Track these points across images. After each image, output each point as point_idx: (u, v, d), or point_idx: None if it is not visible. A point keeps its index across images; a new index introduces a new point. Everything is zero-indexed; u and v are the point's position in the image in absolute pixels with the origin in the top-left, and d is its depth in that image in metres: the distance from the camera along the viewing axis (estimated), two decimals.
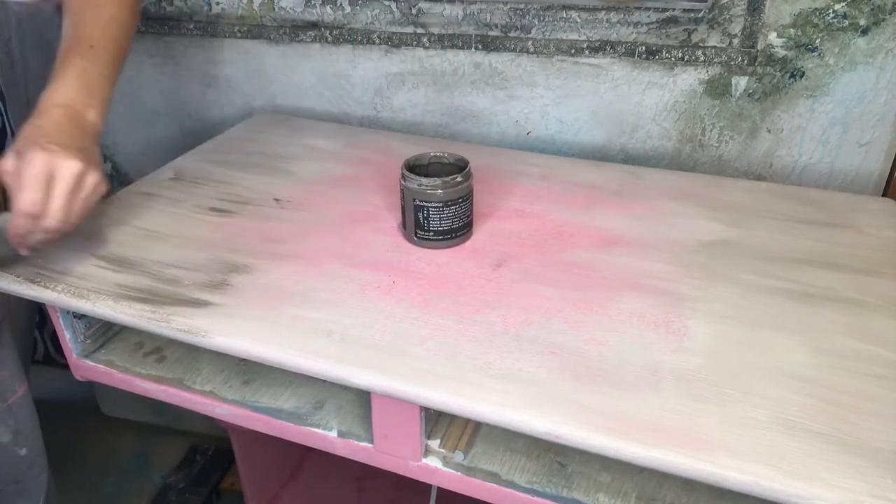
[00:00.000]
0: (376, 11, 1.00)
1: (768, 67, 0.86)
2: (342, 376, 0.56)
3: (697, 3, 0.85)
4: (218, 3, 1.07)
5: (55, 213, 0.61)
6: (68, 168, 0.61)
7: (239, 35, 1.08)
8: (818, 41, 0.83)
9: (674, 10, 0.86)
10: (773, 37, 0.85)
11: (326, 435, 0.64)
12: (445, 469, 0.60)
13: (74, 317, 0.73)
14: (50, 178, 0.60)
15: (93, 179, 0.64)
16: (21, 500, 0.91)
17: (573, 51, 0.92)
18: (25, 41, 1.09)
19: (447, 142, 1.00)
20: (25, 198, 0.59)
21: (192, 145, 0.97)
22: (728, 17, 0.85)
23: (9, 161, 0.61)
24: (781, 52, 0.85)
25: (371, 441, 0.63)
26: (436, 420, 0.63)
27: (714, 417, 0.50)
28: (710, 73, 0.89)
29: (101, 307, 0.64)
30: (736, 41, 0.86)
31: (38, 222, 0.61)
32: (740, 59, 0.86)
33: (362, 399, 0.67)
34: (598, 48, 0.91)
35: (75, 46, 0.70)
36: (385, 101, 1.06)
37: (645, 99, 0.93)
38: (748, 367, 0.55)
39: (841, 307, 0.62)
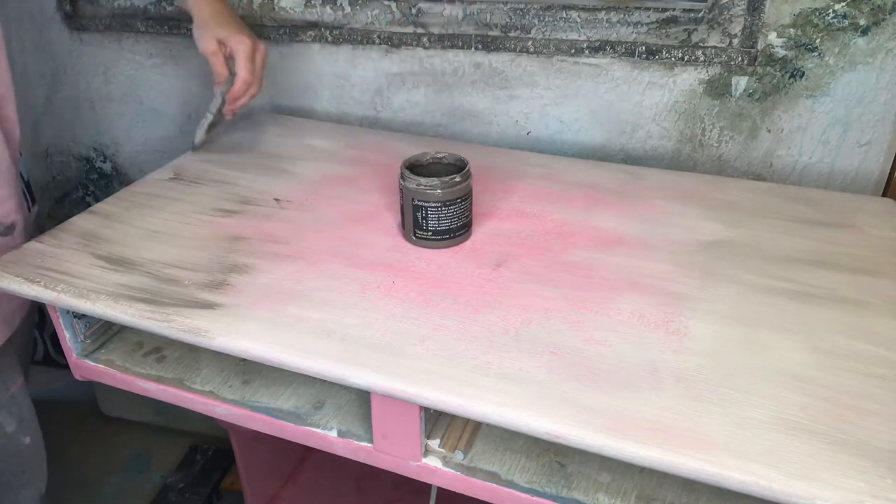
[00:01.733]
0: (376, 11, 1.00)
1: (768, 67, 0.86)
2: (342, 376, 0.56)
3: (697, 3, 0.85)
4: None
5: (260, 81, 0.87)
6: (260, 47, 0.86)
7: None
8: (818, 41, 0.83)
9: (674, 10, 0.86)
10: (773, 37, 0.85)
11: (326, 435, 0.64)
12: (445, 469, 0.60)
13: (74, 317, 0.73)
14: (252, 55, 0.85)
15: (264, 49, 0.88)
16: (27, 491, 0.92)
17: (573, 51, 0.92)
18: None
19: (447, 142, 1.00)
20: (245, 69, 0.84)
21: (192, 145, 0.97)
22: (728, 16, 0.85)
23: (212, 44, 0.84)
24: (781, 52, 0.85)
25: (371, 441, 0.63)
26: (436, 420, 0.63)
27: (714, 417, 0.50)
28: (710, 73, 0.89)
29: (102, 307, 0.64)
30: (736, 41, 0.86)
31: (249, 89, 0.86)
32: (740, 58, 0.86)
33: (362, 399, 0.67)
34: (598, 48, 0.91)
35: None
36: (385, 101, 1.06)
37: (645, 99, 0.93)
38: (748, 367, 0.55)
39: (841, 307, 0.62)
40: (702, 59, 0.87)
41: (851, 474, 0.46)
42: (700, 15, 0.86)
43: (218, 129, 0.96)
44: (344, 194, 0.83)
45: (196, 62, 1.14)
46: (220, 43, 0.85)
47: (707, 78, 0.89)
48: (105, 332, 0.77)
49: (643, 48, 0.89)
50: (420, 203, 0.69)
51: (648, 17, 0.88)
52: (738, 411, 0.51)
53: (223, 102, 0.88)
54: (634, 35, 0.89)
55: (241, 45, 0.84)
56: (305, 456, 1.27)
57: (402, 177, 0.71)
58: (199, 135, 0.93)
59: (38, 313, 1.30)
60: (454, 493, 0.62)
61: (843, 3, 0.81)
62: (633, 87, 0.93)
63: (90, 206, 0.83)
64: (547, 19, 0.92)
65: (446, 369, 0.55)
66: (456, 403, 0.53)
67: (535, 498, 0.58)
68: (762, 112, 0.89)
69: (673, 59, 0.89)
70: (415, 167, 0.73)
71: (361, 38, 1.01)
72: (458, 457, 0.61)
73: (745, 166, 0.93)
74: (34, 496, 0.94)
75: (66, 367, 0.76)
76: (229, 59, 0.86)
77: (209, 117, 0.91)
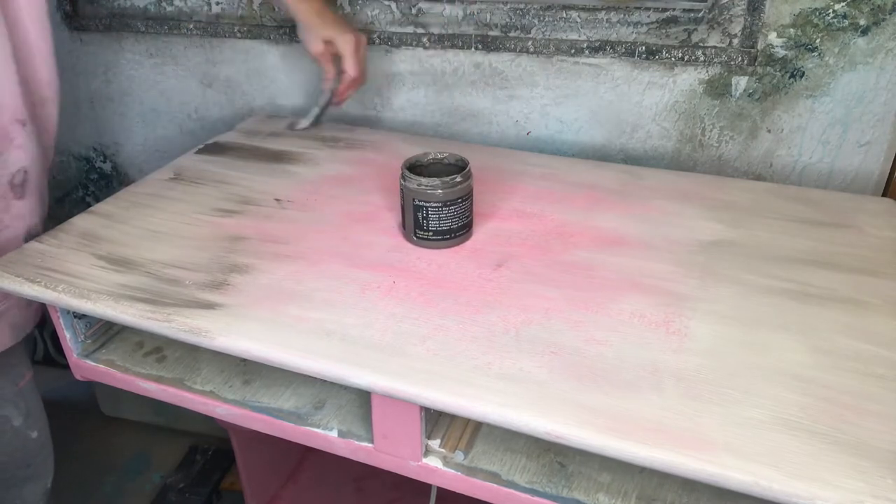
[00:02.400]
0: (376, 11, 0.99)
1: (768, 67, 0.86)
2: (342, 376, 0.56)
3: (697, 3, 0.85)
4: (218, 3, 1.07)
5: (365, 73, 0.93)
6: (363, 41, 0.91)
7: (239, 35, 1.08)
8: (818, 41, 0.83)
9: (674, 10, 0.86)
10: (773, 37, 0.85)
11: (326, 435, 0.64)
12: (445, 469, 0.60)
13: (74, 317, 0.73)
14: (357, 51, 0.89)
15: (366, 41, 0.92)
16: (31, 485, 0.93)
17: (573, 51, 0.92)
18: None
19: (447, 142, 1.00)
20: (352, 67, 0.90)
21: (192, 145, 0.97)
22: (728, 16, 0.85)
23: (320, 45, 0.89)
24: (781, 52, 0.85)
25: (371, 441, 0.63)
26: (436, 420, 0.63)
27: (714, 417, 0.50)
28: (710, 73, 0.89)
29: (102, 307, 0.64)
30: (736, 41, 0.86)
31: (356, 83, 0.92)
32: (740, 59, 0.86)
33: (362, 399, 0.67)
34: (598, 48, 0.91)
35: None
36: (385, 101, 1.06)
37: (645, 99, 0.93)
38: (748, 367, 0.55)
39: (841, 307, 0.62)
40: (702, 59, 0.87)
41: (852, 474, 0.46)
42: (700, 15, 0.86)
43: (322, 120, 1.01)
44: (344, 194, 0.83)
45: (196, 62, 1.14)
46: (328, 43, 0.89)
47: (707, 78, 0.89)
48: (105, 332, 0.77)
49: (643, 48, 0.89)
50: (421, 203, 0.69)
51: (648, 17, 0.88)
52: (738, 411, 0.51)
53: (331, 97, 0.95)
54: (634, 35, 0.89)
55: (347, 43, 0.89)
56: (305, 456, 1.27)
57: (403, 177, 0.71)
58: (304, 123, 0.99)
59: None
60: (454, 493, 0.62)
61: (843, 3, 0.81)
62: (633, 87, 0.93)
63: (90, 206, 0.83)
64: (547, 19, 0.92)
65: (446, 369, 0.55)
66: (456, 403, 0.53)
67: (535, 498, 0.58)
68: (762, 112, 0.89)
69: (673, 59, 0.89)
70: (415, 167, 0.73)
71: None
72: (459, 457, 0.61)
73: (745, 166, 0.93)
74: (39, 490, 0.95)
75: (66, 367, 0.76)
76: (335, 57, 0.91)
77: (316, 111, 0.98)
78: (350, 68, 0.90)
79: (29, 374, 0.91)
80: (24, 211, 0.82)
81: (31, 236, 0.82)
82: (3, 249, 0.78)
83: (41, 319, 0.88)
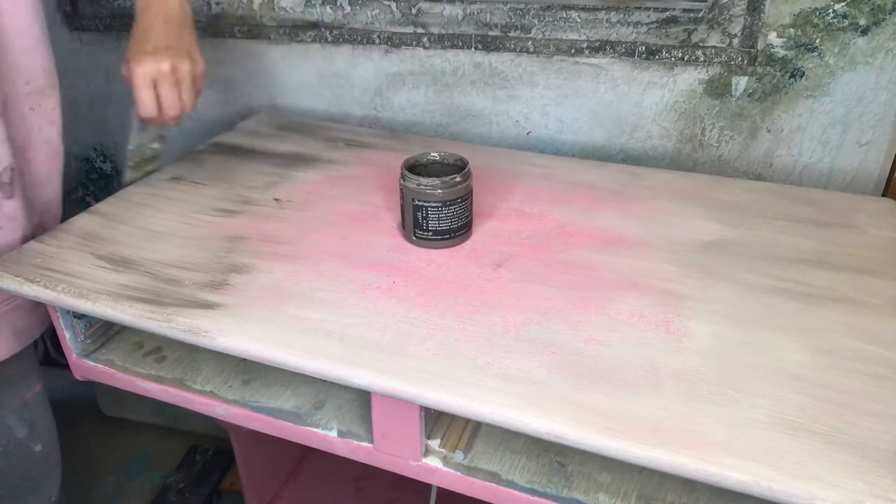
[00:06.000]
0: (376, 11, 1.00)
1: (768, 67, 0.86)
2: (342, 376, 0.56)
3: (697, 3, 0.85)
4: (218, 3, 1.08)
5: (169, 108, 0.76)
6: (165, 77, 0.74)
7: (239, 35, 1.08)
8: (818, 41, 0.83)
9: (674, 9, 0.86)
10: (773, 37, 0.85)
11: (326, 435, 0.64)
12: (445, 469, 0.60)
13: (74, 317, 0.73)
14: (145, 85, 0.73)
15: (185, 69, 0.75)
16: (34, 498, 0.92)
17: (573, 51, 0.92)
18: None
19: (447, 142, 1.00)
20: (139, 101, 0.74)
21: (192, 145, 0.97)
22: (728, 16, 0.85)
23: (124, 67, 0.75)
24: (781, 52, 0.85)
25: (371, 441, 0.63)
26: (436, 420, 0.63)
27: (714, 417, 0.50)
28: (710, 72, 0.89)
29: (102, 307, 0.64)
30: (736, 41, 0.86)
31: (159, 122, 0.77)
32: (740, 58, 0.86)
33: (362, 399, 0.67)
34: (598, 48, 0.91)
35: None
36: (385, 101, 1.06)
37: (645, 99, 0.93)
38: (748, 367, 0.55)
39: (841, 307, 0.62)
40: (702, 59, 0.87)
41: (851, 474, 0.46)
42: (700, 15, 0.86)
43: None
44: (344, 194, 0.83)
45: None
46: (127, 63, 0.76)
47: (707, 78, 0.89)
48: (105, 332, 0.77)
49: (643, 48, 0.89)
50: (420, 203, 0.69)
51: (648, 17, 0.88)
52: (737, 411, 0.51)
53: (149, 133, 0.85)
54: (634, 35, 0.89)
55: (133, 74, 0.74)
56: (305, 456, 1.27)
57: (403, 177, 0.71)
58: (126, 176, 0.88)
59: None
60: (454, 493, 0.62)
61: (843, 3, 0.81)
62: (633, 87, 0.93)
63: (90, 206, 0.83)
64: (547, 19, 0.92)
65: (446, 369, 0.55)
66: (456, 403, 0.53)
67: (535, 498, 0.58)
68: (762, 112, 0.89)
69: (673, 59, 0.89)
70: (415, 167, 0.73)
71: (361, 38, 1.01)
72: (459, 457, 0.61)
73: (745, 166, 0.93)
74: (43, 503, 0.94)
75: (66, 367, 0.76)
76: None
77: (129, 163, 0.87)
78: (135, 103, 0.75)
79: (38, 385, 0.88)
80: (16, 211, 0.78)
81: (28, 238, 0.80)
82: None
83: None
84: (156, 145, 0.87)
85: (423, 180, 0.69)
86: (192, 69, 0.76)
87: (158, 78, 0.74)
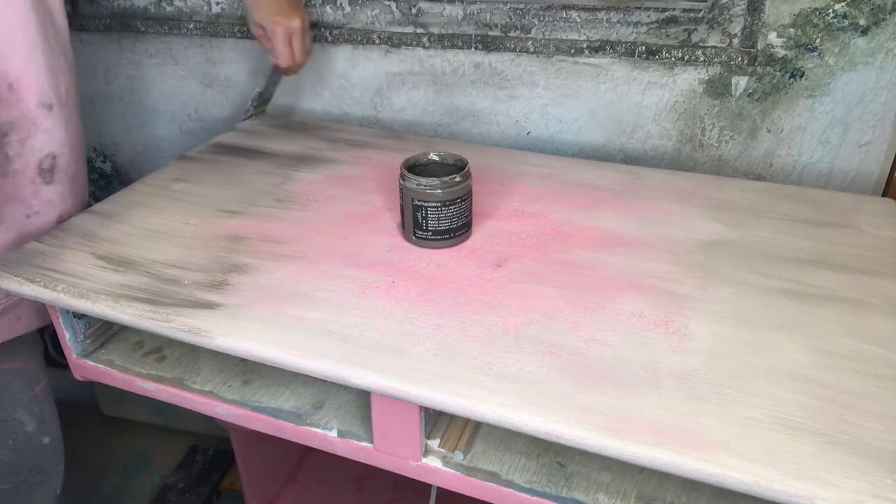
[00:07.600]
0: (376, 11, 1.00)
1: (768, 67, 0.86)
2: (342, 376, 0.56)
3: (697, 3, 0.85)
4: (218, 3, 1.08)
5: (299, 61, 0.95)
6: (296, 30, 0.92)
7: (239, 35, 1.08)
8: (818, 41, 0.83)
9: (674, 9, 0.86)
10: (773, 37, 0.85)
11: (326, 435, 0.64)
12: (445, 469, 0.60)
13: (74, 317, 0.73)
14: (286, 41, 0.91)
15: (300, 28, 0.92)
16: (41, 490, 0.93)
17: (573, 51, 0.92)
18: None
19: (447, 142, 1.00)
20: (280, 56, 0.93)
21: (192, 145, 0.97)
22: (728, 16, 0.85)
23: (255, 28, 0.93)
24: (781, 52, 0.85)
25: (371, 441, 0.63)
26: (435, 420, 0.63)
27: (714, 417, 0.50)
28: (710, 72, 0.89)
29: (102, 307, 0.64)
30: (736, 41, 0.86)
31: (290, 71, 0.96)
32: (740, 58, 0.86)
33: (362, 399, 0.67)
34: (598, 48, 0.91)
35: None
36: (385, 101, 1.06)
37: (645, 99, 0.93)
38: (748, 367, 0.55)
39: (841, 307, 0.62)
40: (702, 59, 0.87)
41: (852, 474, 0.45)
42: (700, 15, 0.86)
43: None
44: (344, 194, 0.83)
45: (196, 62, 1.14)
46: (261, 27, 0.92)
47: (707, 78, 0.89)
48: (105, 332, 0.77)
49: (643, 48, 0.89)
50: (420, 203, 0.69)
51: (648, 17, 0.88)
52: (738, 411, 0.51)
53: (276, 78, 1.02)
54: (634, 35, 0.89)
55: (274, 33, 0.91)
56: (305, 456, 1.27)
57: (402, 177, 0.71)
58: (249, 106, 1.05)
59: None
60: (454, 493, 0.62)
61: (843, 3, 0.81)
62: (633, 87, 0.93)
63: (90, 206, 0.83)
64: (547, 19, 0.92)
65: (446, 369, 0.55)
66: (456, 403, 0.53)
67: (535, 498, 0.58)
68: (762, 112, 0.89)
69: (673, 59, 0.89)
70: (415, 167, 0.73)
71: (361, 38, 1.01)
72: (458, 457, 0.61)
73: (745, 166, 0.93)
74: (49, 497, 0.95)
75: (66, 367, 0.76)
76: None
77: (257, 90, 1.04)
78: (278, 58, 0.93)
79: (45, 380, 0.90)
80: (54, 196, 0.82)
81: (63, 221, 0.83)
82: (35, 234, 0.78)
83: None
84: (274, 90, 1.06)
85: (423, 180, 0.69)
86: (306, 24, 0.94)
87: (293, 34, 0.91)
